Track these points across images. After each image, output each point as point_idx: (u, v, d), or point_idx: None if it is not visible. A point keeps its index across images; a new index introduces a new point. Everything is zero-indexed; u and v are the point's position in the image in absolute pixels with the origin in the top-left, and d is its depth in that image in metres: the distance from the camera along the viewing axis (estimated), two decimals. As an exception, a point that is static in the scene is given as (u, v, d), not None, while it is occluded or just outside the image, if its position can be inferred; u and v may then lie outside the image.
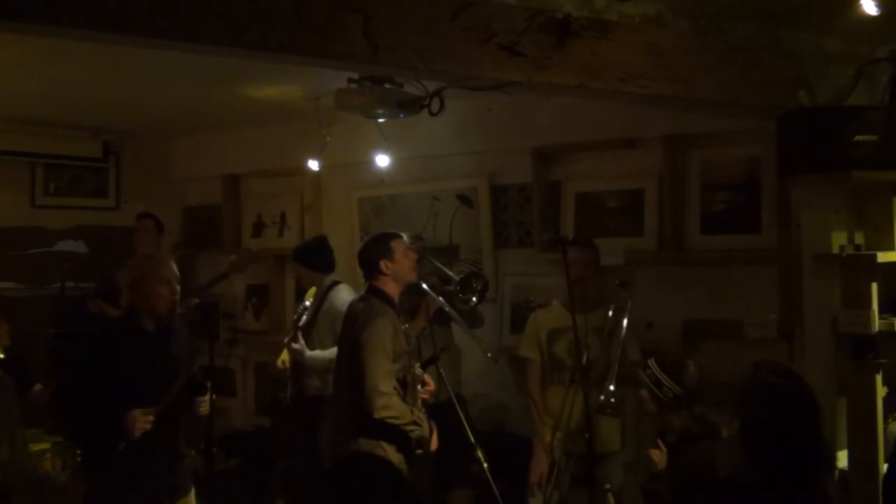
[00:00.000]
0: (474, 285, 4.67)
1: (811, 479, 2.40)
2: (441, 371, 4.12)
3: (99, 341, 3.63)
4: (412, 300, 4.69)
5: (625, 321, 4.08)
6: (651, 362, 3.39)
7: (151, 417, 3.40)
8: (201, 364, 4.17)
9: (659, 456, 3.30)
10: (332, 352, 4.58)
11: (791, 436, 2.38)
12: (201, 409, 3.68)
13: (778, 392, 2.43)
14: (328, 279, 5.05)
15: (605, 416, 4.00)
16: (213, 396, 3.69)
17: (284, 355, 5.05)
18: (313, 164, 5.67)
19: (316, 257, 5.09)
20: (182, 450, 3.71)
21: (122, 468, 3.43)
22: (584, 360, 3.94)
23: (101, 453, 3.47)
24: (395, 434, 3.75)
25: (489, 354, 4.51)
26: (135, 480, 3.46)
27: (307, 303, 4.96)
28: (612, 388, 3.89)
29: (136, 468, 3.45)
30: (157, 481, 3.53)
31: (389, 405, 3.69)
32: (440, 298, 4.55)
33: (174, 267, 3.64)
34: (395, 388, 3.77)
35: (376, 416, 3.67)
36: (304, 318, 4.91)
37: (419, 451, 3.84)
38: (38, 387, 4.86)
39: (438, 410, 4.23)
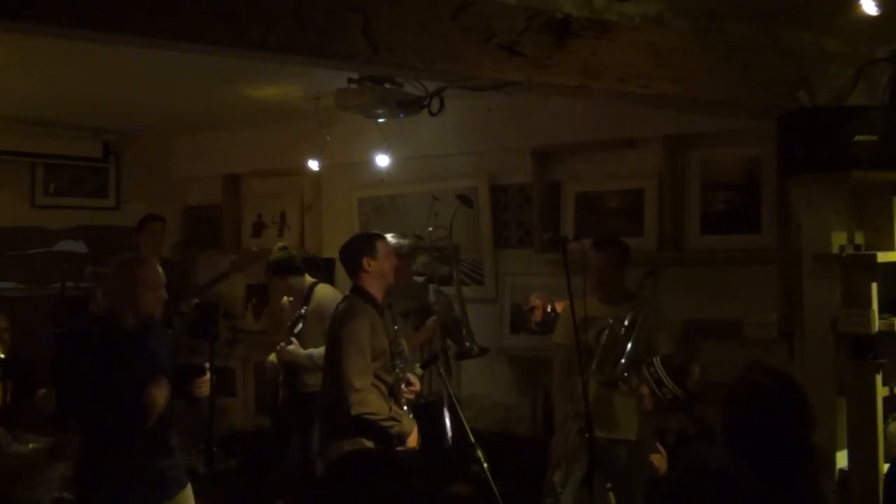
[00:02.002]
0: (474, 349, 4.73)
1: (792, 479, 2.39)
2: (441, 371, 4.13)
3: (82, 342, 3.64)
4: (410, 304, 4.72)
5: (646, 307, 4.11)
6: (656, 360, 3.39)
7: (166, 390, 3.42)
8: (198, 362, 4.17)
9: (659, 460, 3.31)
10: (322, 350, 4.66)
11: (773, 435, 2.37)
12: (201, 389, 3.66)
13: (763, 391, 2.43)
14: (307, 281, 5.16)
15: (620, 396, 4.02)
16: (214, 377, 3.69)
17: (273, 358, 5.10)
18: (313, 164, 5.68)
19: (291, 263, 5.15)
20: (172, 443, 3.68)
21: (113, 463, 3.44)
22: (601, 346, 4.06)
23: (111, 445, 3.48)
24: (375, 431, 3.77)
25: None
26: (127, 475, 3.46)
27: (302, 311, 5.00)
28: (624, 362, 3.91)
29: (127, 462, 3.45)
30: (150, 476, 3.53)
31: (365, 401, 3.72)
32: (447, 341, 4.68)
33: (161, 271, 3.64)
34: (374, 385, 3.79)
35: (353, 412, 3.70)
36: (300, 325, 4.96)
37: (400, 448, 3.85)
38: (42, 391, 4.86)
39: (434, 409, 4.25)
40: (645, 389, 3.38)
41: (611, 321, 4.13)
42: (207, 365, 3.70)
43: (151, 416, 3.39)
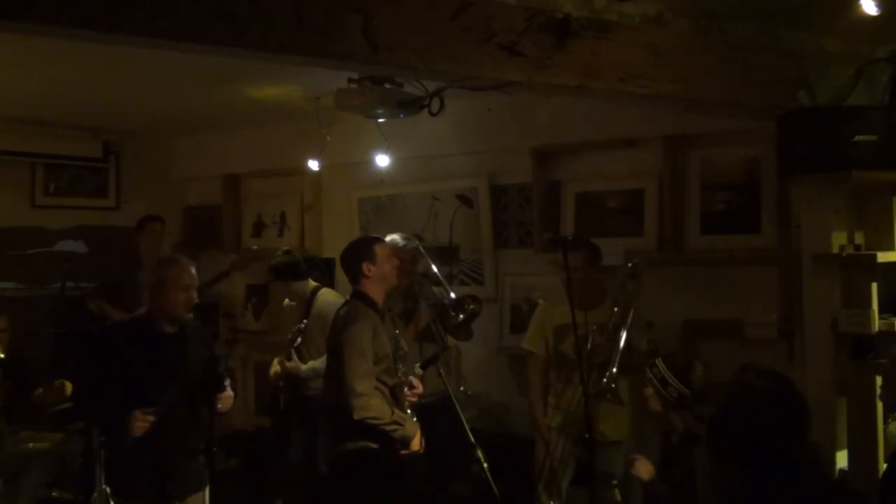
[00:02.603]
0: (466, 306, 4.70)
1: (791, 481, 2.38)
2: (441, 370, 4.13)
3: (115, 341, 3.67)
4: (406, 305, 4.71)
5: (631, 312, 4.08)
6: (658, 361, 3.38)
7: (151, 418, 3.42)
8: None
9: (645, 468, 3.31)
10: (324, 360, 4.66)
11: (770, 437, 2.36)
12: (221, 405, 3.67)
13: (757, 394, 2.42)
14: (310, 286, 5.13)
15: (609, 404, 4.00)
16: (234, 392, 3.74)
17: (276, 365, 5.10)
18: (313, 164, 5.67)
19: (295, 268, 5.12)
20: (198, 446, 3.71)
21: (138, 460, 3.47)
22: (584, 356, 3.96)
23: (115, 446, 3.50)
24: (378, 435, 3.76)
25: (462, 388, 4.70)
26: (148, 473, 3.50)
27: (302, 325, 4.98)
28: (613, 373, 3.90)
29: (151, 461, 3.49)
30: (171, 475, 3.55)
31: (368, 406, 3.71)
32: (430, 321, 4.63)
33: (194, 272, 3.66)
34: (377, 389, 3.79)
35: (355, 416, 3.69)
36: (299, 339, 4.95)
37: (403, 452, 3.84)
38: (39, 391, 4.86)
39: (436, 409, 4.25)
40: (650, 391, 3.37)
41: (594, 328, 4.09)
42: (228, 382, 3.72)
43: (129, 435, 3.40)
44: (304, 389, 4.98)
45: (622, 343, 4.00)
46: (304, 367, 4.91)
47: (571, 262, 4.16)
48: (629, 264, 4.19)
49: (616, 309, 4.10)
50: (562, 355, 4.30)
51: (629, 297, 4.12)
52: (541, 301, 4.79)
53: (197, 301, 3.81)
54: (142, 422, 3.41)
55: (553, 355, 4.35)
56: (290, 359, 4.94)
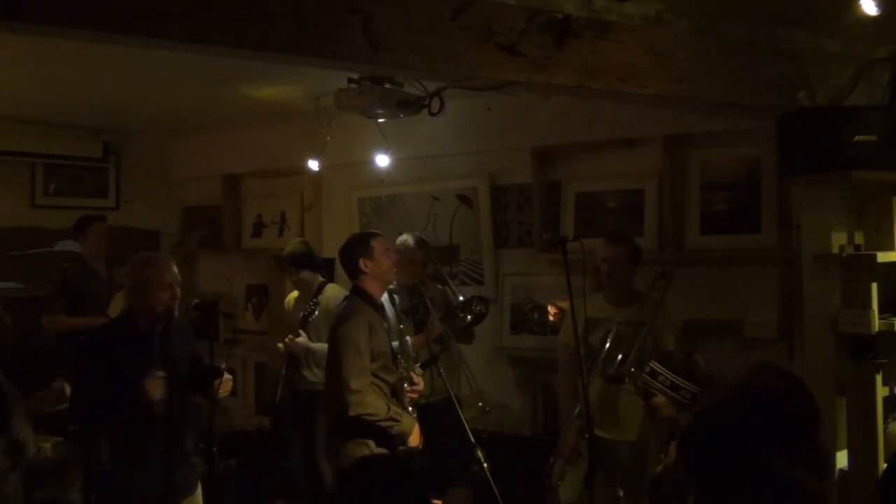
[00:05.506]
0: (474, 307, 4.72)
1: (797, 480, 2.38)
2: (441, 371, 4.14)
3: (110, 340, 3.66)
4: (412, 302, 4.72)
5: (661, 308, 4.07)
6: (657, 367, 3.30)
7: (163, 377, 3.43)
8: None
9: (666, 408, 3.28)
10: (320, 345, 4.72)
11: (781, 438, 2.36)
12: (221, 390, 3.68)
13: (773, 392, 2.42)
14: (318, 280, 5.19)
15: (625, 396, 3.99)
16: (233, 381, 3.77)
17: (281, 344, 5.15)
18: (313, 164, 5.68)
19: (309, 257, 5.19)
20: (188, 448, 3.72)
21: (129, 465, 3.48)
22: (604, 350, 4.00)
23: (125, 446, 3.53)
24: (376, 431, 3.76)
25: (480, 404, 4.73)
26: (141, 477, 3.50)
27: (317, 298, 5.08)
28: (630, 360, 3.88)
29: (142, 465, 3.49)
30: (164, 478, 3.54)
31: (363, 402, 3.72)
32: (441, 325, 4.66)
33: (175, 270, 3.65)
34: (374, 385, 3.79)
35: (351, 413, 3.70)
36: (316, 313, 4.99)
37: (402, 448, 3.84)
38: (38, 394, 4.84)
39: (437, 410, 4.25)
40: (661, 399, 3.28)
41: (619, 321, 4.10)
42: (224, 365, 3.72)
43: (152, 405, 3.42)
44: (298, 383, 5.00)
45: (643, 335, 3.97)
46: (311, 345, 4.94)
47: (612, 254, 4.18)
48: (659, 271, 4.19)
49: (646, 306, 4.09)
50: (588, 346, 4.28)
51: (659, 294, 4.11)
52: (558, 310, 4.79)
53: (196, 301, 3.82)
54: (156, 385, 3.41)
55: (582, 346, 4.34)
56: (298, 335, 4.96)
